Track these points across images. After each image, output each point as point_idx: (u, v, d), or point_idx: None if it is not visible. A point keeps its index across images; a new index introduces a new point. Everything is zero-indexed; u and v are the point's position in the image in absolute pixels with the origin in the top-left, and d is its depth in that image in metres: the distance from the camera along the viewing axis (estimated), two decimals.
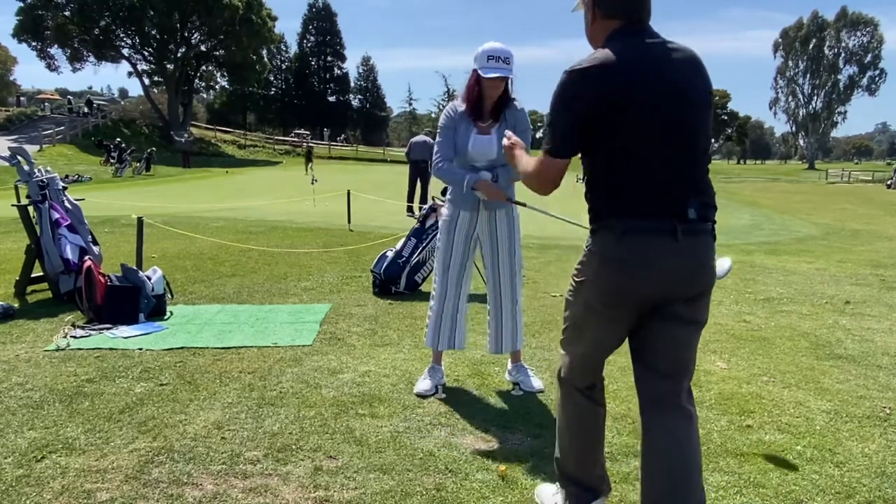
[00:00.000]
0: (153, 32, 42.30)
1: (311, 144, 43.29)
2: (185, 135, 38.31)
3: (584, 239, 1.99)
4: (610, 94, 1.76)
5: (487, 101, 3.12)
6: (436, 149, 3.19)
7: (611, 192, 1.85)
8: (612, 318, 1.91)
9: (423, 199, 12.29)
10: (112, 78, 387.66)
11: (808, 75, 76.28)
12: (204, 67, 48.84)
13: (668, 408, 1.91)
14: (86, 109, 41.18)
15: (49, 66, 43.66)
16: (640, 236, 1.80)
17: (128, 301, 4.56)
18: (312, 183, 14.32)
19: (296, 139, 52.39)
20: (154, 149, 31.05)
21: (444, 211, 3.31)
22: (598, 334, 1.97)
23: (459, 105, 3.18)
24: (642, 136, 1.78)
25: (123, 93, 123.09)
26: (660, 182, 1.80)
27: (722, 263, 2.68)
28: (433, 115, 78.28)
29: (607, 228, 1.85)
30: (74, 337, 4.14)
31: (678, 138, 1.81)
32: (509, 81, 3.11)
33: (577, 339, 2.02)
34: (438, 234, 3.34)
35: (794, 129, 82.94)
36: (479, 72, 3.04)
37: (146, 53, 44.12)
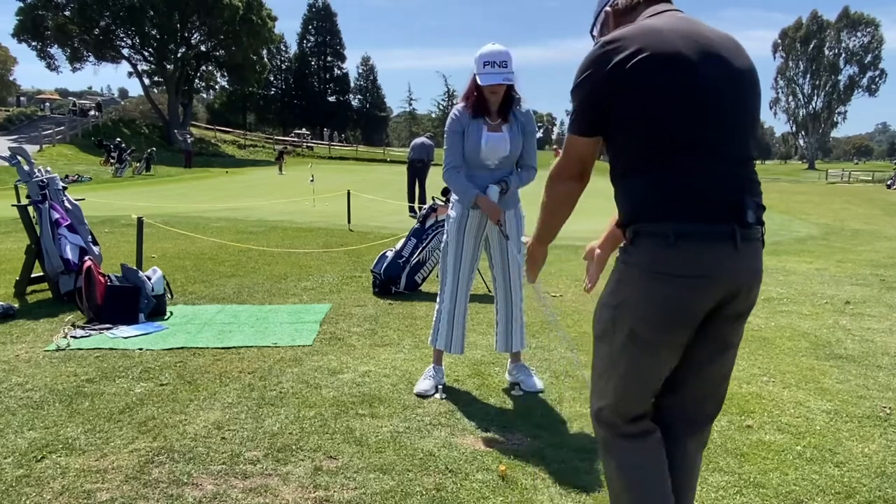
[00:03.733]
0: (153, 32, 42.20)
1: (285, 145, 43.03)
2: (188, 135, 38.29)
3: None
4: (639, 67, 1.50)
5: (492, 103, 3.11)
6: (445, 154, 3.17)
7: (655, 190, 1.54)
8: (663, 345, 1.57)
9: (422, 199, 12.30)
10: (112, 78, 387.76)
11: (808, 75, 76.28)
12: (204, 67, 48.79)
13: (694, 436, 1.72)
14: (93, 112, 40.78)
15: (49, 66, 43.59)
16: (697, 243, 1.49)
17: (128, 301, 4.56)
18: (310, 182, 14.33)
19: (296, 139, 52.37)
20: (154, 149, 31.00)
21: (452, 212, 3.29)
22: (645, 366, 1.60)
23: (465, 108, 3.16)
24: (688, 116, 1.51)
25: (123, 93, 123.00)
26: (714, 178, 1.51)
27: None
28: (433, 115, 78.31)
29: (652, 235, 1.53)
30: (74, 337, 4.14)
31: (731, 125, 1.55)
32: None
33: (619, 375, 1.63)
34: (446, 235, 3.31)
35: (794, 129, 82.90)
36: (478, 78, 3.03)
37: (146, 53, 44.04)
